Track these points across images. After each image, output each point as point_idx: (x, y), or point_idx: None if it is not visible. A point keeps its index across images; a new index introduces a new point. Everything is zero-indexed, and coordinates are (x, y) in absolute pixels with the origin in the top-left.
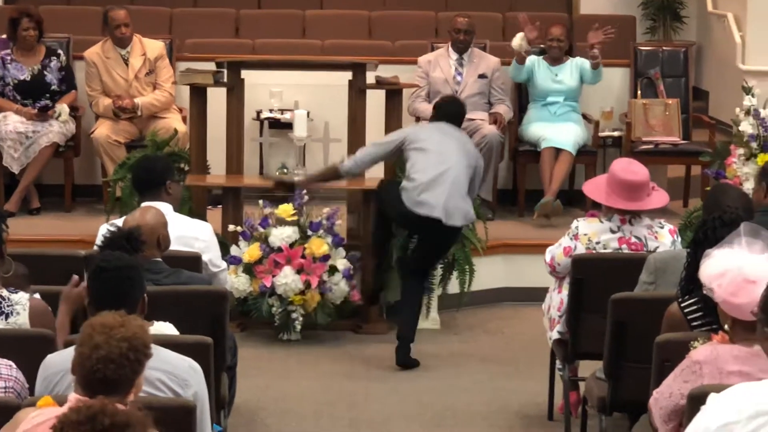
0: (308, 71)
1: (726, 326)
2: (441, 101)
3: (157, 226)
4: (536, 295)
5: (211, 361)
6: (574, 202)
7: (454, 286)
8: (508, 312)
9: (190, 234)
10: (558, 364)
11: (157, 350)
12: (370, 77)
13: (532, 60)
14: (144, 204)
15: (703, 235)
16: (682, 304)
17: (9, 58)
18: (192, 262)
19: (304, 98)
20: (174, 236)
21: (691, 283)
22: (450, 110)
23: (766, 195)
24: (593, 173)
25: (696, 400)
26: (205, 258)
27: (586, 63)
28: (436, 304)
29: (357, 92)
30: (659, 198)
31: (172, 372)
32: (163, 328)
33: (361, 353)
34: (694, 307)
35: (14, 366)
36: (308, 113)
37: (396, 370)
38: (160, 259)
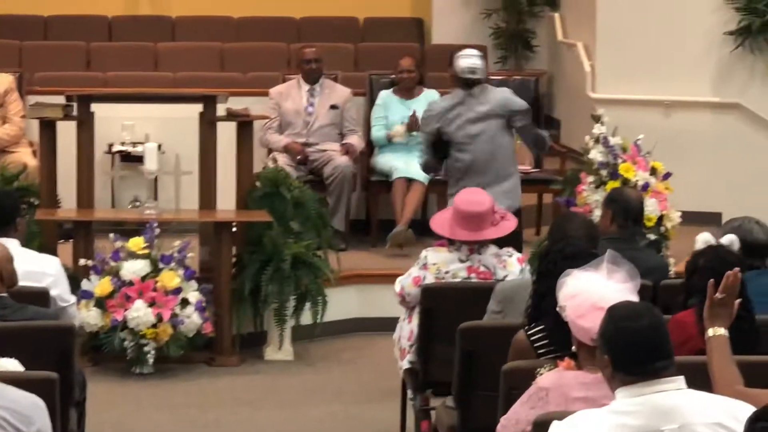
0: (159, 104)
1: (573, 348)
2: None
3: (0, 260)
4: (389, 325)
5: (57, 396)
6: (426, 231)
7: (307, 317)
8: (362, 342)
9: (38, 269)
10: (409, 393)
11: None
12: (221, 109)
13: (382, 97)
14: None
15: (545, 267)
16: (529, 332)
17: None
18: (39, 297)
19: (155, 131)
20: (22, 271)
21: (536, 311)
22: None
23: (612, 222)
24: (445, 202)
25: (540, 427)
26: (53, 293)
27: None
28: (289, 336)
29: (208, 124)
30: (505, 227)
31: (14, 409)
32: (8, 364)
33: (214, 385)
34: (540, 335)
35: None
36: (159, 146)
37: (248, 403)
38: (5, 295)
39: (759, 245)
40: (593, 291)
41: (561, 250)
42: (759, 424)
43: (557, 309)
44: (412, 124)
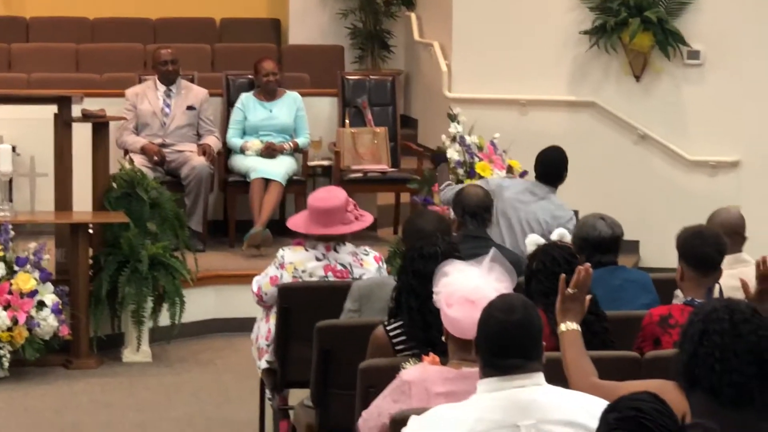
0: (13, 105)
1: (443, 338)
2: None
3: None
4: (248, 325)
5: None
6: (284, 232)
7: (165, 319)
8: (220, 343)
9: None
10: (268, 393)
11: None
12: (77, 110)
13: (242, 100)
14: None
15: (403, 264)
16: (387, 327)
17: None
18: None
19: (9, 132)
20: None
21: (396, 307)
22: None
23: (459, 227)
24: (303, 203)
25: (398, 424)
26: None
27: (300, 103)
28: (146, 337)
29: (63, 126)
30: (358, 224)
31: None
32: None
33: (71, 388)
34: (399, 330)
35: None
36: (14, 147)
37: (106, 405)
38: None
39: (605, 241)
40: (468, 283)
41: (419, 248)
42: (611, 416)
43: (419, 305)
44: (268, 151)
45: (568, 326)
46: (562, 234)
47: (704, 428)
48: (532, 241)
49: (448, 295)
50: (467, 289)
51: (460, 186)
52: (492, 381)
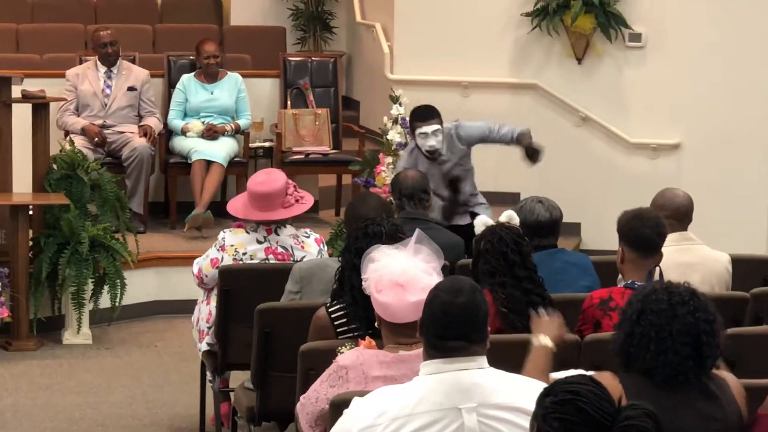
0: None
1: (376, 324)
2: None
3: None
4: (189, 307)
5: None
6: (225, 213)
7: (105, 301)
8: (161, 325)
9: None
10: (208, 375)
11: None
12: (16, 91)
13: (183, 81)
14: None
15: (347, 245)
16: (329, 309)
17: None
18: None
19: None
20: None
21: (339, 289)
22: None
23: (398, 210)
24: (244, 184)
25: (338, 407)
26: None
27: (242, 84)
28: (87, 319)
29: (3, 106)
30: (299, 207)
31: None
32: None
33: (10, 370)
34: (341, 312)
35: None
36: None
37: (46, 387)
38: None
39: (543, 224)
40: (395, 267)
41: (363, 227)
42: (548, 399)
43: (362, 283)
44: (209, 133)
45: (544, 341)
46: (510, 216)
47: (641, 409)
48: (481, 221)
49: (377, 281)
50: (395, 272)
51: None
52: (434, 363)
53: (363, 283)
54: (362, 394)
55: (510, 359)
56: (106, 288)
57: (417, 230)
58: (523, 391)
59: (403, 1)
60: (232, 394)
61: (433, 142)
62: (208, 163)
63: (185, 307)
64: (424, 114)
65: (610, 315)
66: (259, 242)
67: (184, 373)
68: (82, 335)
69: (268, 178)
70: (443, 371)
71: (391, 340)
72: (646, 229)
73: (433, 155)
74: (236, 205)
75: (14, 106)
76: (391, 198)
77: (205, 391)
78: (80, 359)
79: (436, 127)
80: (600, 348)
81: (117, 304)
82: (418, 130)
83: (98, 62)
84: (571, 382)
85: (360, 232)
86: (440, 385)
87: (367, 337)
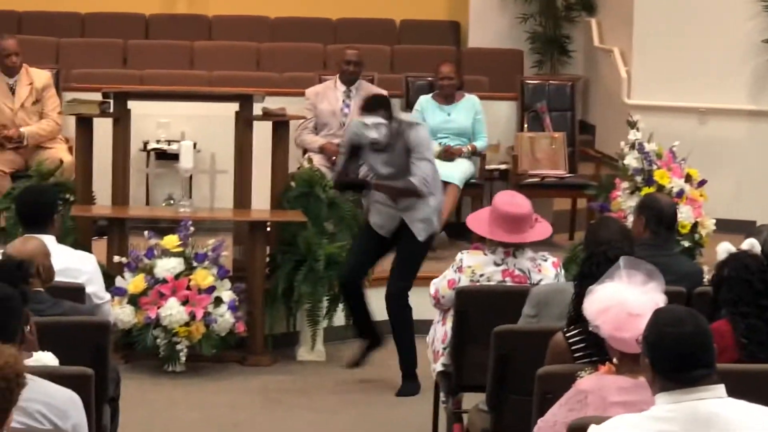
0: (195, 102)
1: (615, 360)
2: None
3: (38, 255)
4: (422, 327)
5: (92, 392)
6: (460, 234)
7: (339, 318)
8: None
9: (74, 266)
10: (442, 396)
11: (36, 381)
12: (258, 109)
13: (421, 102)
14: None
15: (588, 270)
16: (567, 335)
17: None
18: (75, 293)
19: (191, 129)
20: (58, 268)
21: (577, 315)
22: None
23: (645, 229)
24: (480, 206)
25: (576, 431)
26: (88, 290)
27: (479, 106)
28: (321, 336)
29: (244, 124)
30: (542, 230)
31: (51, 403)
32: (44, 358)
33: (246, 385)
34: (579, 338)
35: None
36: (195, 144)
37: (279, 403)
38: (41, 290)
39: None
40: (623, 300)
41: (604, 252)
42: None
43: (590, 329)
44: (446, 155)
45: None
46: (752, 244)
47: None
48: (725, 249)
49: (612, 320)
50: (627, 305)
51: None
52: (671, 394)
53: (593, 329)
54: (600, 420)
55: (750, 390)
56: (340, 306)
57: (622, 257)
58: (765, 422)
59: (642, 26)
60: (465, 416)
61: (374, 135)
62: (444, 184)
63: (418, 327)
64: (370, 105)
65: None
66: (496, 264)
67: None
68: (316, 352)
69: (516, 201)
70: (681, 401)
71: (628, 368)
72: None
73: (374, 146)
74: (481, 225)
75: (255, 123)
76: (642, 218)
77: (438, 411)
78: (313, 376)
79: (379, 120)
80: None
81: (352, 322)
82: (363, 119)
83: (338, 81)
84: None
85: (601, 257)
86: (678, 415)
87: (607, 363)
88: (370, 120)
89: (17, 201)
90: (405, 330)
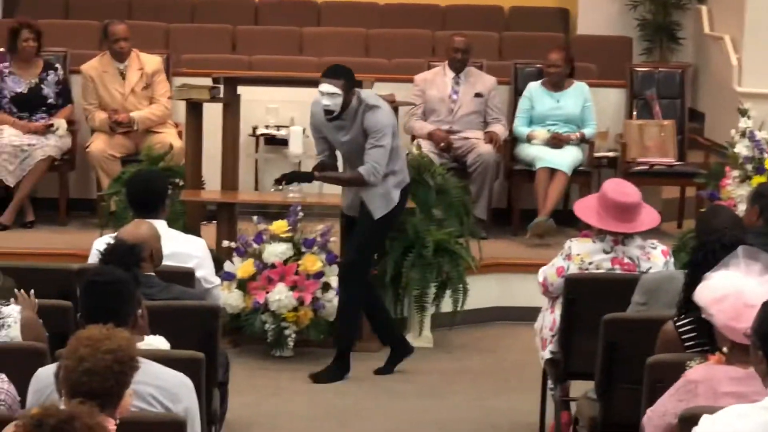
0: (304, 88)
1: (725, 349)
2: None
3: (150, 240)
4: (528, 314)
5: (203, 376)
6: (568, 222)
7: (447, 305)
8: (501, 331)
9: (185, 250)
10: (550, 383)
11: (148, 365)
12: None
13: (530, 89)
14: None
15: (702, 257)
16: (677, 323)
17: (7, 71)
18: (185, 277)
19: (300, 115)
20: (168, 252)
21: (688, 303)
22: None
23: (758, 217)
24: (588, 193)
25: (687, 421)
26: (198, 274)
27: (588, 94)
28: (429, 323)
29: None
30: (651, 219)
31: (163, 387)
32: (155, 342)
33: (353, 371)
34: (689, 327)
35: (6, 379)
36: (304, 130)
37: (386, 389)
38: (152, 274)
39: None
40: (740, 290)
41: (719, 239)
42: None
43: (703, 317)
44: (554, 141)
45: None
46: None
47: None
48: None
49: (728, 309)
50: (744, 295)
51: None
52: None
53: (706, 317)
54: (711, 410)
55: None
56: (448, 292)
57: (741, 245)
58: None
59: (754, 13)
60: (572, 404)
61: (327, 102)
62: (552, 171)
63: (525, 314)
64: (327, 72)
65: None
66: (605, 252)
67: (523, 380)
68: (424, 338)
69: (627, 189)
70: None
71: (738, 358)
72: None
73: (327, 114)
74: (590, 214)
75: None
76: (756, 207)
77: (546, 399)
78: (421, 362)
79: (332, 89)
80: None
81: (459, 308)
82: (319, 87)
83: (447, 68)
84: None
85: (717, 244)
86: None
87: (717, 353)
88: (325, 88)
89: (128, 186)
90: (347, 306)
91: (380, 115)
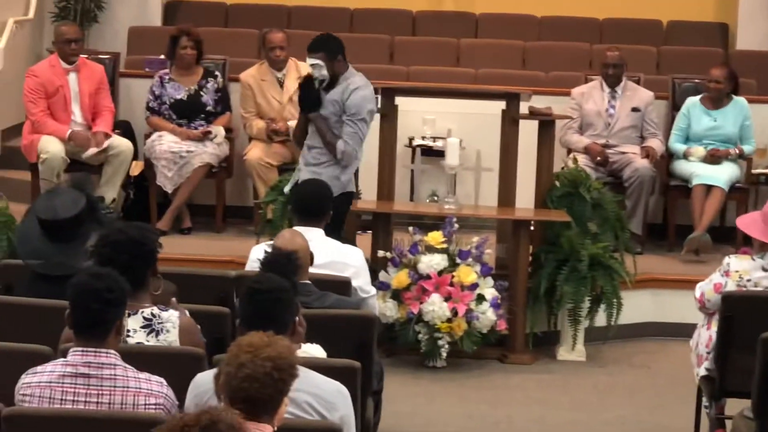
0: (461, 100)
1: None
2: None
3: (305, 249)
4: (683, 330)
5: (359, 385)
6: (724, 238)
7: (601, 319)
8: (654, 346)
9: (341, 259)
10: (705, 401)
11: (305, 373)
12: (524, 107)
13: (687, 106)
14: (294, 228)
15: None
16: None
17: (167, 77)
18: (342, 286)
19: (456, 126)
20: (325, 261)
21: None
22: None
23: None
24: (744, 210)
25: None
26: (354, 284)
27: (747, 111)
28: (582, 336)
29: (510, 122)
30: None
31: (319, 395)
32: (312, 350)
33: (506, 382)
34: None
35: (165, 383)
36: (461, 141)
37: (540, 402)
38: (309, 282)
39: None
40: None
41: None
42: None
43: None
44: (712, 159)
45: None
46: None
47: None
48: None
49: None
50: None
51: None
52: None
53: None
54: None
55: None
56: (602, 306)
57: None
58: None
59: None
60: (728, 422)
61: (315, 74)
62: (709, 187)
63: (679, 330)
64: (310, 45)
65: None
66: (764, 270)
67: (677, 396)
68: (577, 352)
69: None
70: None
71: None
72: None
73: (319, 84)
74: (754, 225)
75: (521, 122)
76: None
77: (700, 416)
78: (574, 376)
79: (313, 61)
80: None
81: (613, 323)
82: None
83: (603, 82)
84: None
85: None
86: None
87: None
88: (308, 61)
89: (296, 193)
90: None
91: (360, 96)
